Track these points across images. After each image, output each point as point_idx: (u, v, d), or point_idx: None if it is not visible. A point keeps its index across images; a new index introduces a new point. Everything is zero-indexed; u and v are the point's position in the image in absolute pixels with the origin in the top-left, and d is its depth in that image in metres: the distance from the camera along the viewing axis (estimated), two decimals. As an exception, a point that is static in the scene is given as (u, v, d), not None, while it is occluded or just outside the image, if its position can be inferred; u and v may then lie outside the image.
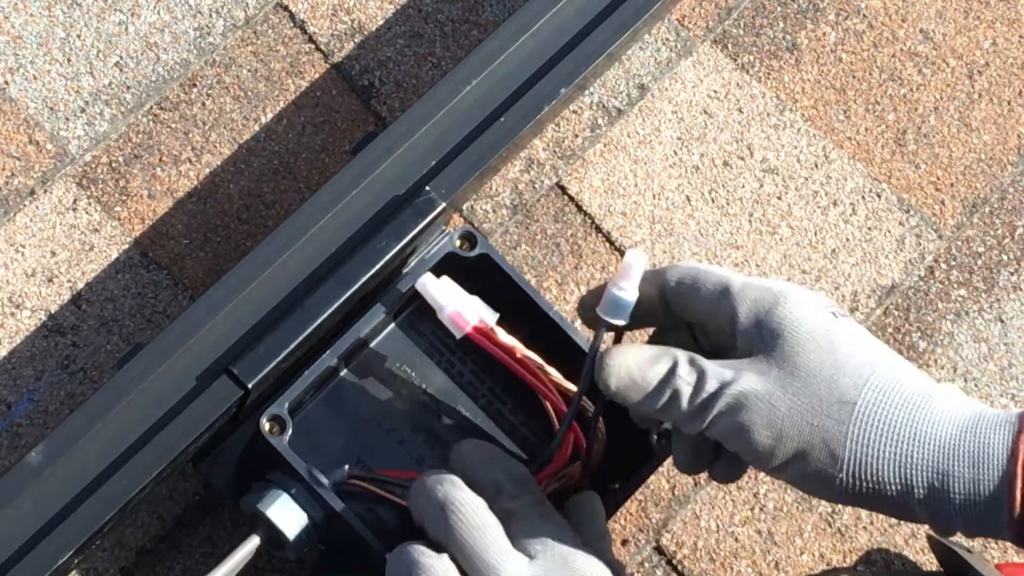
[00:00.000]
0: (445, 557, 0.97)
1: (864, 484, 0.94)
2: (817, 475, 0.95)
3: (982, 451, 0.93)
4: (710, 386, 0.96)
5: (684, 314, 1.02)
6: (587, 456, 1.07)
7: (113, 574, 1.11)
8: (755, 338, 0.97)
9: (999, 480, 0.92)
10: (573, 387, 1.07)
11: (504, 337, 1.08)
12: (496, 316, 1.10)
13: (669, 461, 1.10)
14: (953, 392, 0.96)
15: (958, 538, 1.19)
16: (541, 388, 1.07)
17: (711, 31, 1.31)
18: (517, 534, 0.99)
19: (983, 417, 0.94)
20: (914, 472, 0.93)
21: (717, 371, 0.97)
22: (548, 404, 1.08)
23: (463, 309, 1.08)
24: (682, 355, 0.98)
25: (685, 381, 0.97)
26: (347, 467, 1.07)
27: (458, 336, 1.08)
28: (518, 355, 1.08)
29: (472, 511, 0.98)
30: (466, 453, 1.04)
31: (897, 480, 0.94)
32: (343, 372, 1.11)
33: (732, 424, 0.96)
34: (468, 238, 1.12)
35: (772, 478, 1.10)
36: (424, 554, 0.98)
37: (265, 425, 1.05)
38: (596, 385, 1.00)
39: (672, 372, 0.97)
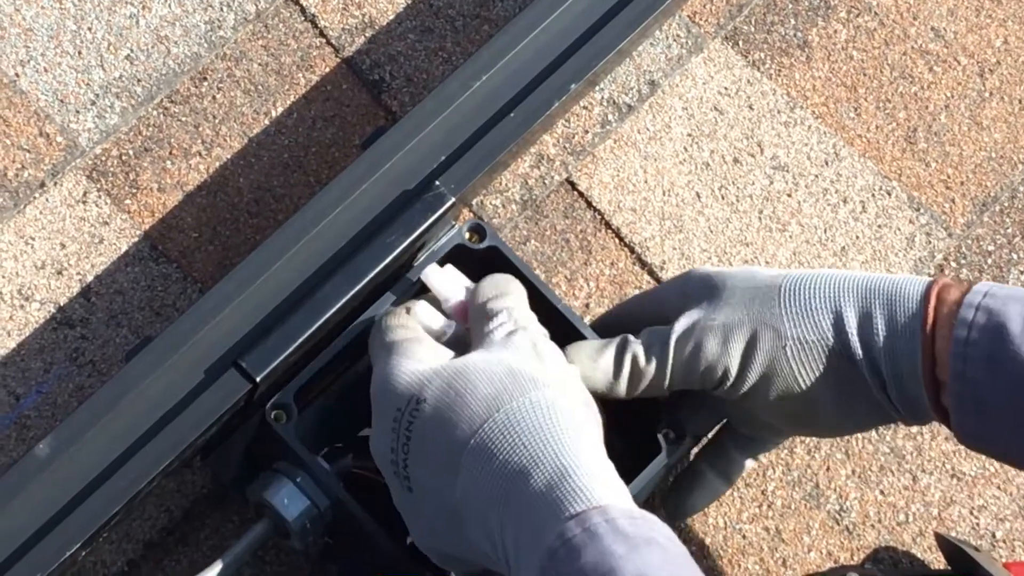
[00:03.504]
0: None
1: (808, 343, 1.03)
2: (770, 360, 1.03)
3: (898, 290, 1.03)
4: (657, 341, 1.05)
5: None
6: None
7: (120, 567, 1.11)
8: (685, 298, 1.07)
9: (916, 308, 1.02)
10: None
11: None
12: None
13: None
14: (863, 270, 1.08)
15: (966, 537, 1.19)
16: None
17: (722, 28, 1.31)
18: None
19: (897, 276, 1.05)
20: (845, 308, 1.03)
21: (659, 332, 1.05)
22: None
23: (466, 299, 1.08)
24: (630, 336, 1.06)
25: (636, 348, 1.05)
26: (351, 456, 1.07)
27: (462, 327, 1.08)
28: None
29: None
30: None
31: (830, 322, 1.03)
32: (349, 362, 1.11)
33: (685, 357, 1.04)
34: (477, 230, 1.12)
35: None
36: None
37: (271, 413, 1.05)
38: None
39: (623, 348, 1.05)
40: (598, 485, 0.91)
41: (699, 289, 1.06)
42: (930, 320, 1.01)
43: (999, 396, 0.99)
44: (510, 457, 0.93)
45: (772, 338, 1.03)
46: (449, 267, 1.10)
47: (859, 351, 1.02)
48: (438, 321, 1.06)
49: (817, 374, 1.03)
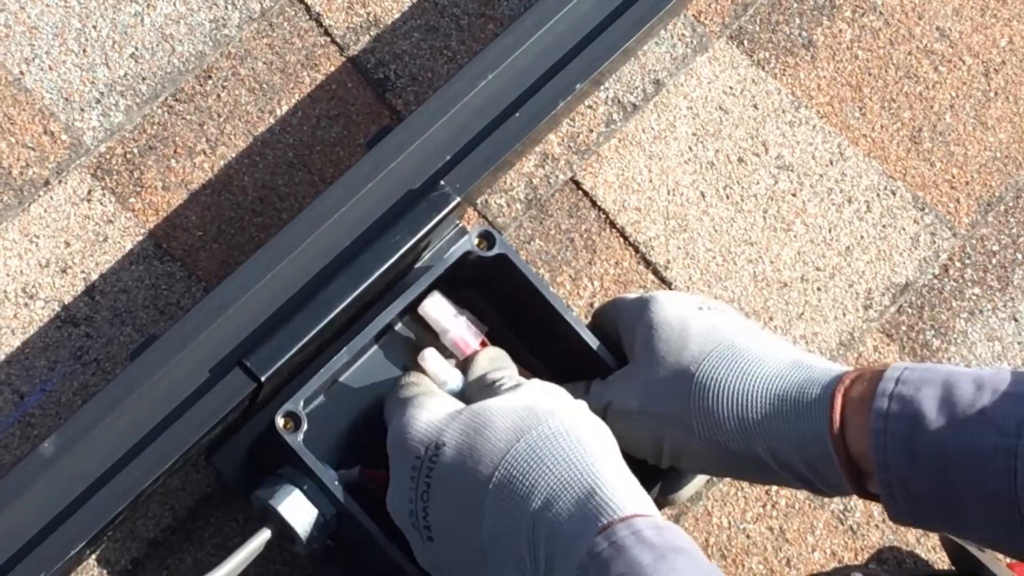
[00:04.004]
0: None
1: (716, 443, 1.03)
2: (681, 452, 1.05)
3: (803, 394, 1.01)
4: (596, 410, 1.05)
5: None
6: None
7: (125, 565, 1.11)
8: (630, 345, 1.09)
9: (821, 410, 1.00)
10: None
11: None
12: (485, 329, 1.11)
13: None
14: (789, 353, 1.05)
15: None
16: None
17: (727, 27, 1.31)
18: None
19: (809, 369, 1.03)
20: (750, 419, 1.02)
21: (596, 394, 1.08)
22: None
23: (464, 332, 1.09)
24: (581, 386, 1.09)
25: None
26: (358, 467, 1.07)
27: (460, 358, 1.09)
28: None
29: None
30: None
31: (736, 430, 1.02)
32: (355, 368, 1.11)
33: (615, 432, 1.03)
34: (486, 237, 1.12)
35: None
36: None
37: (280, 422, 1.05)
38: None
39: None
40: (624, 498, 0.93)
41: (642, 345, 1.07)
42: (836, 424, 0.99)
43: (923, 482, 0.98)
44: (537, 482, 0.95)
45: (682, 434, 1.04)
46: (435, 293, 1.11)
47: (769, 458, 1.02)
48: (446, 369, 1.08)
49: (728, 467, 1.05)
